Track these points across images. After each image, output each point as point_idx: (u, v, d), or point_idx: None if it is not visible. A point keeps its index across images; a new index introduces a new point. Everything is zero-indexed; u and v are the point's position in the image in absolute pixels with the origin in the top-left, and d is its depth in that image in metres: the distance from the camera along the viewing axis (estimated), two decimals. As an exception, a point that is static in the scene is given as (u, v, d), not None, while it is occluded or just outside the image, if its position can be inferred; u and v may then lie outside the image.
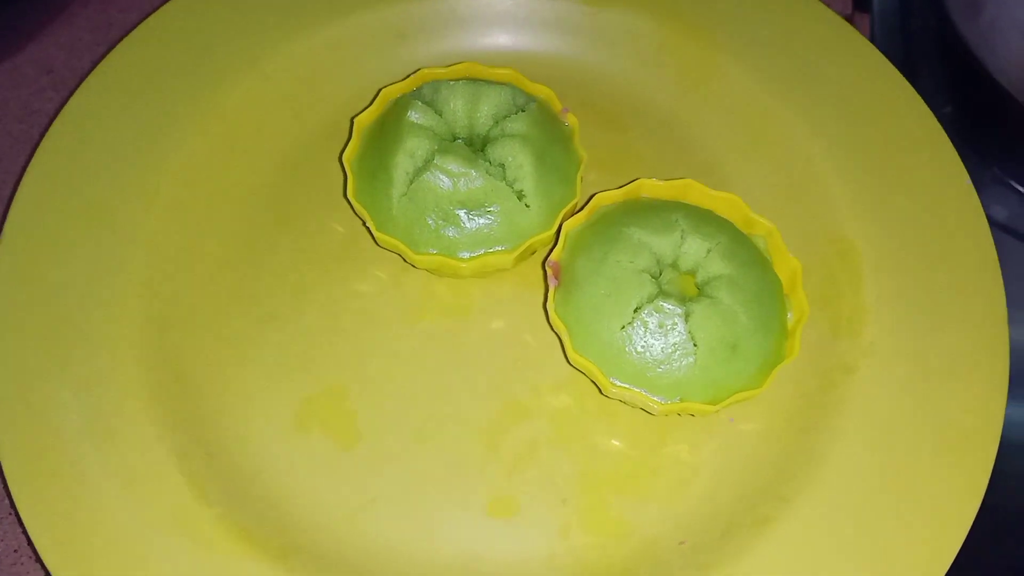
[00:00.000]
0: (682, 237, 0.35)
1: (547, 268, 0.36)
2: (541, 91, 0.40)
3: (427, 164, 0.36)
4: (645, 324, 0.33)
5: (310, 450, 0.36)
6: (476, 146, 0.38)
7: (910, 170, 0.41)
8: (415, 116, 0.37)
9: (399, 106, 0.38)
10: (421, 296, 0.39)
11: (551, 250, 0.37)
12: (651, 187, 0.38)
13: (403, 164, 0.36)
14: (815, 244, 0.40)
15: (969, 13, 0.46)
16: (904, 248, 0.39)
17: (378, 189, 0.37)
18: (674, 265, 0.36)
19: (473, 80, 0.39)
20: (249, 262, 0.40)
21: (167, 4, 0.44)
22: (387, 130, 0.38)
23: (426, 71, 0.40)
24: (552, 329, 0.37)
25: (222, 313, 0.39)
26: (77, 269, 0.38)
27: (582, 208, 0.37)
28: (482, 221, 0.36)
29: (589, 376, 0.35)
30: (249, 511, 0.34)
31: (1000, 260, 0.38)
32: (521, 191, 0.37)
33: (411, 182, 0.36)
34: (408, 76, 0.40)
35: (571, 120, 0.40)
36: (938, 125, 0.42)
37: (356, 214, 0.38)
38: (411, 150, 0.36)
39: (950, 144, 0.41)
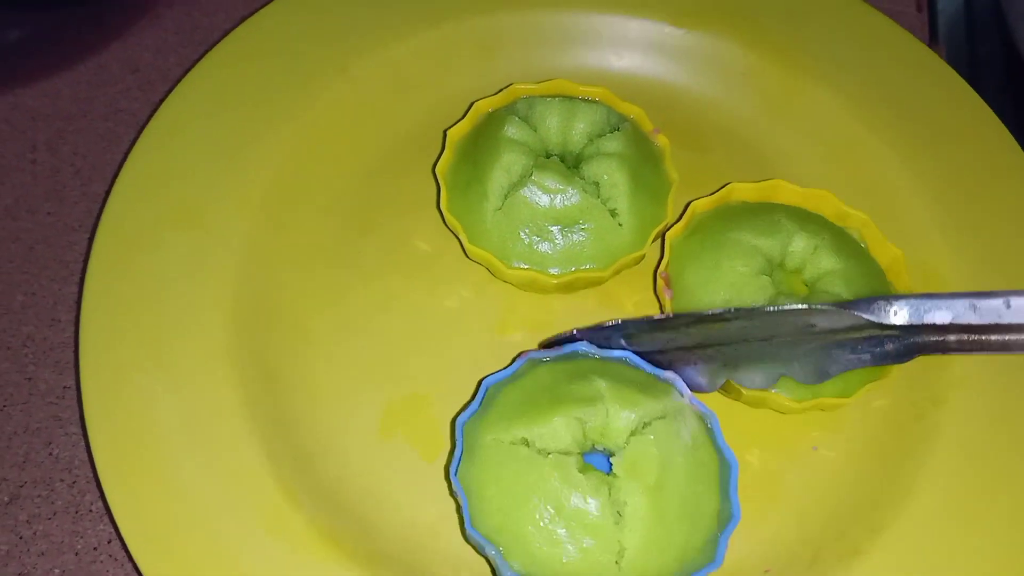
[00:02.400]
0: (788, 237, 0.36)
1: (660, 278, 0.36)
2: (632, 111, 0.40)
3: (523, 179, 0.36)
4: None
5: (394, 457, 0.36)
6: (569, 163, 0.38)
7: (995, 199, 0.41)
8: (512, 131, 0.37)
9: (494, 120, 0.38)
10: (504, 309, 0.40)
11: (659, 261, 0.37)
12: (741, 190, 0.39)
13: (499, 179, 0.37)
14: (901, 272, 0.40)
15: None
16: (991, 278, 0.39)
17: (471, 202, 0.37)
18: (782, 265, 0.36)
19: (568, 97, 0.39)
20: (336, 267, 0.40)
21: (259, 11, 0.44)
22: (482, 144, 0.38)
23: (518, 86, 0.40)
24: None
25: (309, 316, 0.39)
26: (169, 269, 0.38)
27: (680, 218, 0.38)
28: (575, 238, 0.37)
29: None
30: (335, 516, 0.35)
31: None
32: (614, 210, 0.37)
33: (506, 196, 0.37)
34: (499, 91, 0.41)
35: (662, 141, 0.40)
36: (1020, 150, 0.42)
37: (447, 226, 0.38)
38: (507, 165, 0.37)
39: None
